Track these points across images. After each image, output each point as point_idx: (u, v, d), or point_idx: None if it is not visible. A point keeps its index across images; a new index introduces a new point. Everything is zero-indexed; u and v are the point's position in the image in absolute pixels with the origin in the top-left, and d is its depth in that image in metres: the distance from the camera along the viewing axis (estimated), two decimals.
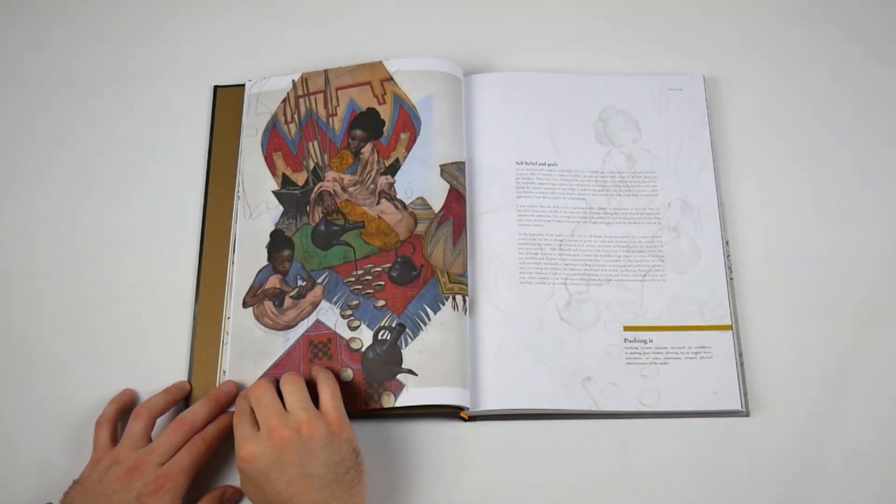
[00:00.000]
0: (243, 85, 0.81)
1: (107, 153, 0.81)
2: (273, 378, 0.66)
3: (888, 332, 0.72)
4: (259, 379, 0.68)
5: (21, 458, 0.69)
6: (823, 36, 0.85)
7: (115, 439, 0.67)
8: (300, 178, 0.75)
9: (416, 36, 0.85)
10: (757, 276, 0.74)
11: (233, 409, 0.68)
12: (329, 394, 0.64)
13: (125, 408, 0.69)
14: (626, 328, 0.72)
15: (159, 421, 0.68)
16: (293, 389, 0.63)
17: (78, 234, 0.77)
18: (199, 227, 0.76)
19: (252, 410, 0.63)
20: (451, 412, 0.69)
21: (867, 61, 0.83)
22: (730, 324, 0.72)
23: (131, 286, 0.75)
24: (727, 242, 0.75)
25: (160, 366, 0.71)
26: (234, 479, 0.68)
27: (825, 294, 0.74)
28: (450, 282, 0.70)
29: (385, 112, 0.76)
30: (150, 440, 0.66)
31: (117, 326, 0.73)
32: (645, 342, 0.71)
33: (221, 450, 0.67)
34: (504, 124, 0.79)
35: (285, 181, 0.75)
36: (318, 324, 0.70)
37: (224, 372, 0.70)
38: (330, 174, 0.75)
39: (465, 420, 0.69)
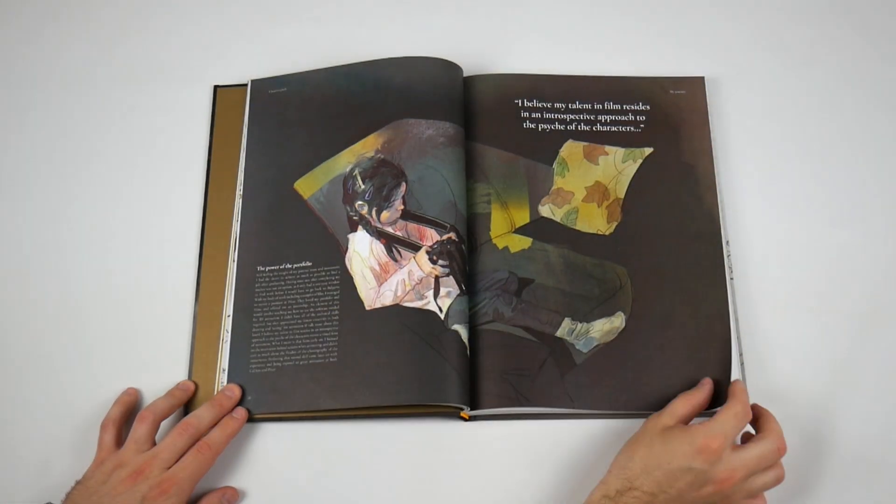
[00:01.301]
0: (243, 85, 0.81)
1: (107, 153, 0.81)
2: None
3: (889, 332, 0.72)
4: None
5: (21, 457, 0.69)
6: (825, 36, 0.85)
7: (119, 441, 0.67)
8: None
9: (416, 36, 0.85)
10: (757, 276, 0.74)
11: (236, 411, 0.68)
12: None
13: (130, 409, 0.69)
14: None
15: (163, 424, 0.68)
16: (767, 482, 0.63)
17: (78, 234, 0.77)
18: (199, 227, 0.76)
19: (741, 430, 0.63)
20: (451, 412, 0.69)
21: (869, 60, 0.83)
22: (730, 323, 0.72)
23: (131, 286, 0.75)
24: (727, 242, 0.75)
25: (160, 366, 0.71)
26: (233, 480, 0.68)
27: (826, 294, 0.74)
28: None
29: None
30: (154, 443, 0.66)
31: (117, 326, 0.73)
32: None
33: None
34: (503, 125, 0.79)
35: None
36: None
37: (224, 370, 0.70)
38: None
39: (465, 420, 0.69)
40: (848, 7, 0.86)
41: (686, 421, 0.65)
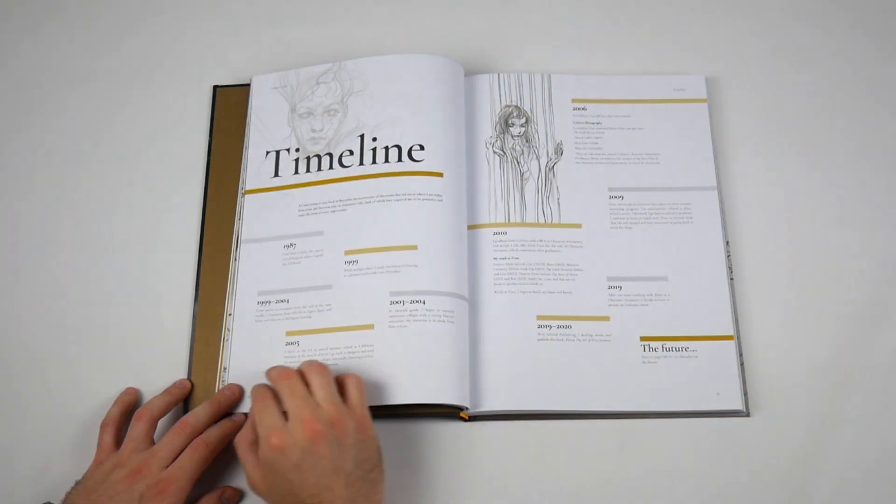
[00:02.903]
0: (243, 85, 0.81)
1: (107, 153, 0.81)
2: (294, 369, 0.64)
3: (889, 332, 0.72)
4: (279, 366, 0.65)
5: (21, 457, 0.69)
6: (825, 35, 0.85)
7: (118, 441, 0.67)
8: None
9: (416, 35, 0.85)
10: (757, 276, 0.74)
11: (235, 414, 0.68)
12: (356, 390, 0.63)
13: (129, 408, 0.69)
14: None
15: (162, 422, 0.68)
16: (323, 383, 0.62)
17: (77, 233, 0.77)
18: (199, 227, 0.76)
19: (275, 398, 0.62)
20: (451, 412, 0.69)
21: (870, 60, 0.83)
22: (731, 324, 0.72)
23: (131, 286, 0.75)
24: (727, 242, 0.75)
25: (160, 366, 0.71)
26: (233, 480, 0.68)
27: (826, 294, 0.74)
28: None
29: None
30: (152, 442, 0.66)
31: (117, 326, 0.73)
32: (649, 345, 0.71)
33: (221, 451, 0.67)
34: (503, 126, 0.79)
35: None
36: None
37: (225, 369, 0.70)
38: None
39: (465, 420, 0.69)
40: (848, 7, 0.86)
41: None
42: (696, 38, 0.85)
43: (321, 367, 0.63)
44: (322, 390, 0.61)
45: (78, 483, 0.64)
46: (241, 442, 0.62)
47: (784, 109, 0.81)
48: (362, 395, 0.63)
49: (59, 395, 0.71)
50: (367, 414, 0.62)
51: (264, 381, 0.64)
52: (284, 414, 0.60)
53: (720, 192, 0.77)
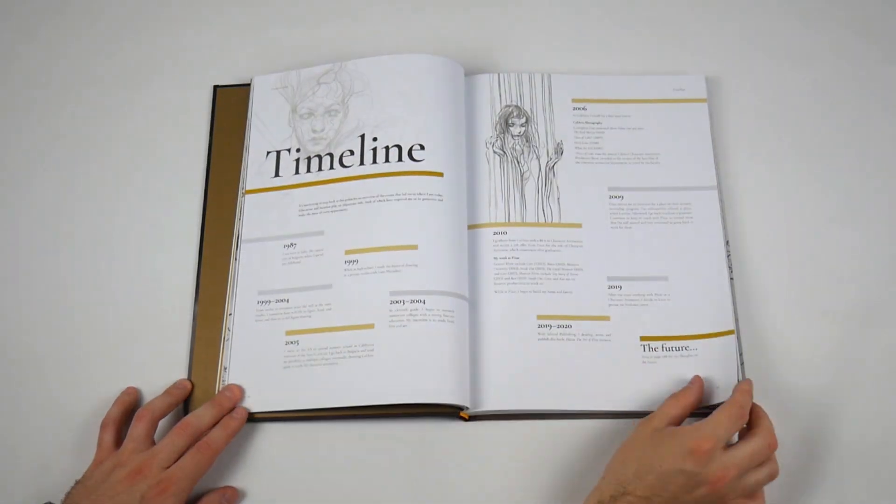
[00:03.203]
0: (243, 85, 0.81)
1: (107, 153, 0.81)
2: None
3: (889, 332, 0.72)
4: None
5: (21, 457, 0.69)
6: (825, 35, 0.85)
7: (119, 440, 0.67)
8: None
9: (416, 35, 0.85)
10: (758, 276, 0.74)
11: (236, 411, 0.68)
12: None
13: (130, 408, 0.69)
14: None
15: (162, 422, 0.68)
16: (761, 479, 0.62)
17: (78, 233, 0.77)
18: (199, 227, 0.76)
19: (735, 431, 0.63)
20: (451, 412, 0.69)
21: (870, 60, 0.83)
22: (731, 323, 0.72)
23: (131, 286, 0.75)
24: (727, 242, 0.75)
25: (160, 366, 0.71)
26: (234, 480, 0.68)
27: (826, 293, 0.74)
28: None
29: None
30: (153, 442, 0.66)
31: (117, 326, 0.73)
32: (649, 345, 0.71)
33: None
34: (503, 126, 0.79)
35: None
36: None
37: (225, 369, 0.70)
38: None
39: (465, 420, 0.69)
40: (848, 7, 0.86)
41: (678, 422, 0.65)
42: (696, 38, 0.85)
43: (776, 473, 0.63)
44: (754, 479, 0.62)
45: (78, 483, 0.64)
46: (658, 416, 0.65)
47: (784, 109, 0.81)
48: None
49: (59, 394, 0.71)
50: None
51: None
52: None
53: (720, 192, 0.77)
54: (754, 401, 0.65)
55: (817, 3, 0.86)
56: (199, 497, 0.66)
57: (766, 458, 0.62)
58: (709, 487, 0.59)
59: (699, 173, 0.77)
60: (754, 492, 0.62)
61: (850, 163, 0.79)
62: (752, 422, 0.64)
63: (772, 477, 0.62)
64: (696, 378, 0.68)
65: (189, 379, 0.71)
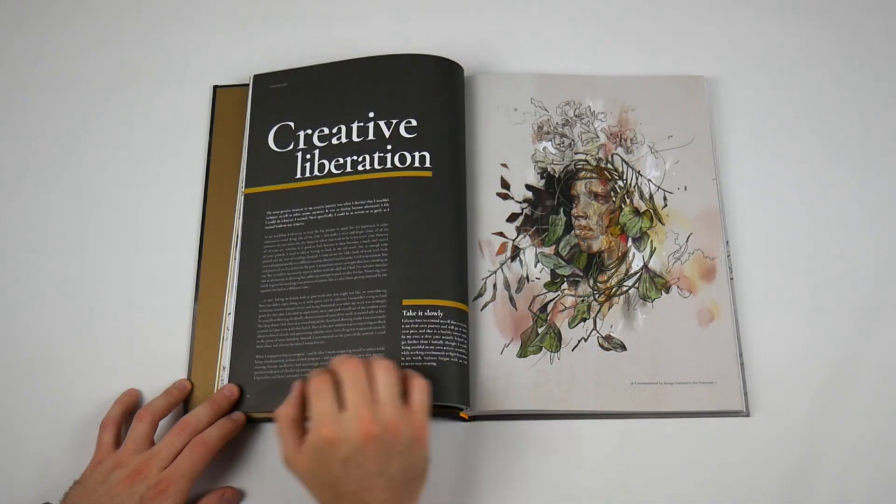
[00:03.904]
0: (243, 85, 0.81)
1: (107, 153, 0.81)
2: (361, 358, 0.62)
3: (889, 332, 0.73)
4: (348, 356, 0.62)
5: (21, 457, 0.69)
6: (824, 37, 0.85)
7: (118, 441, 0.67)
8: None
9: (416, 35, 0.85)
10: (757, 276, 0.75)
11: (234, 414, 0.68)
12: (420, 394, 0.61)
13: (130, 409, 0.69)
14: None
15: (162, 423, 0.68)
16: (389, 381, 0.60)
17: (78, 233, 0.77)
18: (199, 227, 0.76)
19: (333, 385, 0.60)
20: (451, 412, 0.69)
21: (869, 60, 0.83)
22: (731, 324, 0.72)
23: (131, 286, 0.75)
24: (727, 242, 0.75)
25: (160, 365, 0.71)
26: (233, 480, 0.68)
27: (826, 294, 0.74)
28: None
29: None
30: (152, 443, 0.66)
31: (117, 326, 0.73)
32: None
33: (221, 451, 0.67)
34: (503, 126, 0.79)
35: None
36: None
37: (224, 369, 0.70)
38: None
39: (465, 420, 0.69)
40: (848, 6, 0.86)
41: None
42: (696, 38, 0.85)
43: (389, 365, 0.61)
44: (386, 389, 0.59)
45: (77, 483, 0.64)
46: (283, 418, 0.61)
47: (784, 109, 0.81)
48: (426, 401, 0.61)
49: (58, 394, 0.71)
50: (426, 423, 0.60)
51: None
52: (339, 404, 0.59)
53: (720, 192, 0.77)
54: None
55: (817, 3, 0.86)
56: (198, 497, 0.66)
57: (368, 374, 0.60)
58: (371, 443, 0.57)
59: (699, 173, 0.77)
60: (399, 396, 0.59)
61: (851, 162, 0.79)
62: None
63: (387, 371, 0.60)
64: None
65: (189, 379, 0.71)
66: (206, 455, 0.64)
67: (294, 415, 0.61)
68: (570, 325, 0.72)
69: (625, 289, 0.73)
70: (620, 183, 0.77)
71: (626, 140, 0.79)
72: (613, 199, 0.77)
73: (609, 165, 0.78)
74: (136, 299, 0.74)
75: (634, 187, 0.77)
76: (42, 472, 0.68)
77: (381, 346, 0.69)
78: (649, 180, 0.77)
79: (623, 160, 0.78)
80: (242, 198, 0.76)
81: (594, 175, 0.77)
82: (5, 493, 0.68)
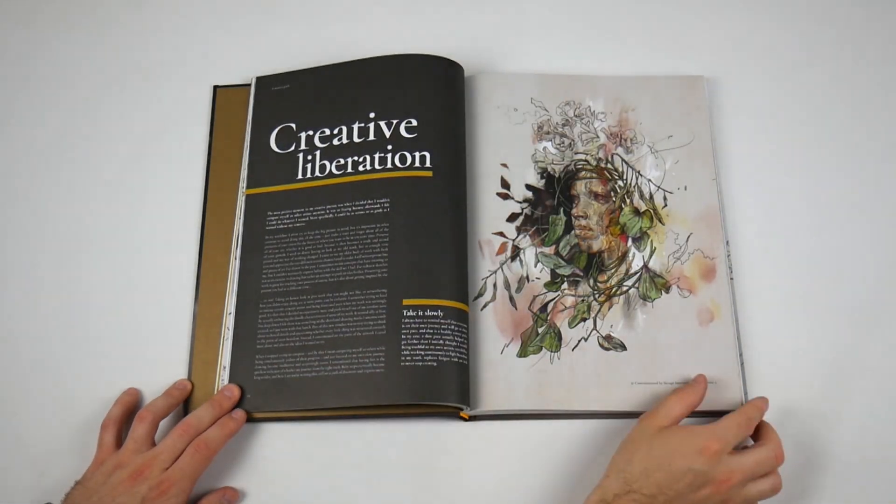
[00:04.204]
0: (243, 85, 0.81)
1: (107, 153, 0.81)
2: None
3: (888, 332, 0.73)
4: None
5: (21, 457, 0.69)
6: (823, 37, 0.85)
7: (119, 441, 0.67)
8: None
9: (417, 35, 0.85)
10: (757, 276, 0.75)
11: (235, 412, 0.68)
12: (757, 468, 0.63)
13: (130, 409, 0.69)
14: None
15: (162, 423, 0.68)
16: (763, 489, 0.63)
17: (78, 233, 0.77)
18: (199, 227, 0.76)
19: (743, 439, 0.64)
20: (451, 412, 0.69)
21: (870, 60, 0.83)
22: (731, 324, 0.72)
23: (131, 286, 0.75)
24: (727, 242, 0.75)
25: (160, 366, 0.71)
26: (234, 480, 0.68)
27: (825, 294, 0.74)
28: None
29: None
30: (153, 443, 0.66)
31: (117, 326, 0.73)
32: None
33: (221, 451, 0.68)
34: (503, 126, 0.79)
35: None
36: None
37: (224, 368, 0.70)
38: None
39: (465, 420, 0.69)
40: (847, 8, 0.86)
41: (679, 420, 0.65)
42: (696, 38, 0.85)
43: (779, 487, 0.64)
44: (756, 489, 0.63)
45: (78, 483, 0.64)
46: (662, 415, 0.64)
47: (783, 109, 0.81)
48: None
49: (59, 395, 0.71)
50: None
51: None
52: None
53: (720, 192, 0.77)
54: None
55: (815, 6, 0.86)
56: (199, 498, 0.66)
57: (771, 468, 0.63)
58: (713, 488, 0.59)
59: (699, 173, 0.77)
60: (754, 501, 0.62)
61: (850, 162, 0.79)
62: (760, 434, 0.65)
63: (774, 490, 0.63)
64: (700, 377, 0.68)
65: (189, 379, 0.71)
66: (208, 456, 0.65)
67: (676, 420, 0.65)
68: (571, 325, 0.72)
69: (625, 289, 0.73)
70: (620, 183, 0.77)
71: (626, 140, 0.79)
72: (613, 198, 0.77)
73: (609, 165, 0.78)
74: (137, 299, 0.74)
75: (634, 187, 0.77)
76: (43, 473, 0.68)
77: (381, 346, 0.69)
78: (649, 180, 0.77)
79: (623, 160, 0.78)
80: (244, 198, 0.76)
81: (594, 175, 0.78)
82: (6, 493, 0.68)
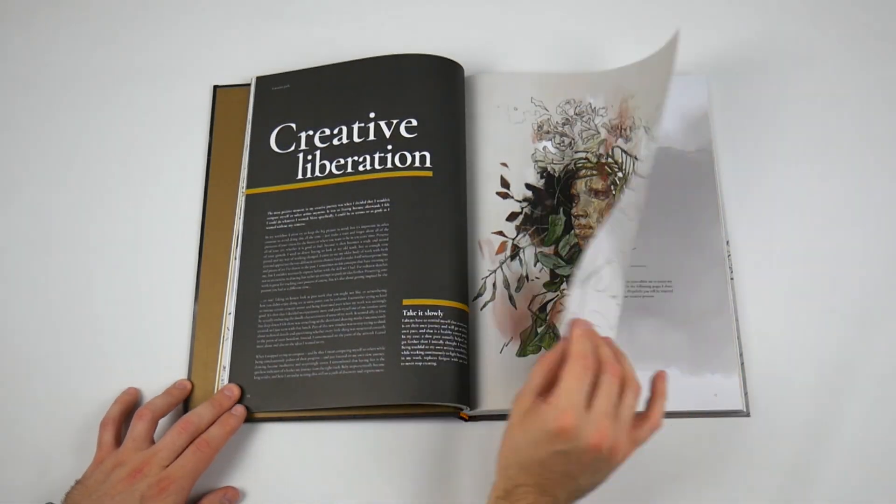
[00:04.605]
0: (243, 85, 0.81)
1: (107, 153, 0.81)
2: (618, 364, 0.58)
3: (888, 332, 0.72)
4: (619, 354, 0.59)
5: (21, 457, 0.69)
6: (824, 37, 0.85)
7: (118, 440, 0.67)
8: None
9: (417, 35, 0.85)
10: (757, 277, 0.74)
11: (235, 409, 0.68)
12: (650, 430, 0.59)
13: (130, 408, 0.69)
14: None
15: (162, 422, 0.68)
16: (633, 405, 0.58)
17: (78, 233, 0.77)
18: (199, 227, 0.76)
19: (592, 379, 0.57)
20: (451, 412, 0.69)
21: (870, 61, 0.83)
22: (731, 324, 0.72)
23: (131, 286, 0.75)
24: (727, 242, 0.75)
25: (160, 365, 0.71)
26: (234, 480, 0.68)
27: (825, 294, 0.74)
28: None
29: None
30: (152, 441, 0.66)
31: (117, 326, 0.74)
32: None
33: (222, 451, 0.68)
34: (503, 125, 0.79)
35: None
36: None
37: (224, 368, 0.70)
38: None
39: (465, 420, 0.69)
40: (848, 7, 0.86)
41: (549, 389, 0.58)
42: (696, 38, 0.85)
43: (639, 390, 0.58)
44: (628, 411, 0.57)
45: (78, 482, 0.64)
46: (530, 393, 0.58)
47: (784, 109, 0.81)
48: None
49: (59, 394, 0.71)
50: (636, 448, 0.58)
51: None
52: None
53: (720, 192, 0.77)
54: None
55: (817, 5, 0.86)
56: (199, 497, 0.66)
57: (619, 387, 0.57)
58: (592, 453, 0.56)
59: (699, 173, 0.77)
60: (633, 420, 0.58)
61: (851, 162, 0.79)
62: (601, 369, 0.58)
63: (637, 394, 0.58)
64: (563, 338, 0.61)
65: (189, 379, 0.71)
66: (210, 455, 0.65)
67: (539, 387, 0.58)
68: None
69: None
70: (620, 174, 0.77)
71: (625, 129, 0.78)
72: (613, 192, 0.77)
73: (609, 159, 0.78)
74: (137, 299, 0.74)
75: (632, 174, 0.76)
76: (43, 472, 0.68)
77: (381, 345, 0.69)
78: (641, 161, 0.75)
79: (623, 150, 0.78)
80: (244, 198, 0.76)
81: (594, 172, 0.77)
82: (6, 492, 0.68)
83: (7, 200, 0.79)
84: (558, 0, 0.87)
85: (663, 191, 0.76)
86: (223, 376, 0.70)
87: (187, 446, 0.65)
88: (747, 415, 0.70)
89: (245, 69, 0.82)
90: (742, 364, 0.71)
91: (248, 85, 0.81)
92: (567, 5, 0.87)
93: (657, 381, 0.61)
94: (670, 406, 0.68)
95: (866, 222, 0.77)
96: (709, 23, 0.85)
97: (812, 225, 0.76)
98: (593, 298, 0.61)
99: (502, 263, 0.74)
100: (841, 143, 0.80)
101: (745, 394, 0.70)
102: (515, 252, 0.75)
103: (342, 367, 0.69)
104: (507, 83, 0.81)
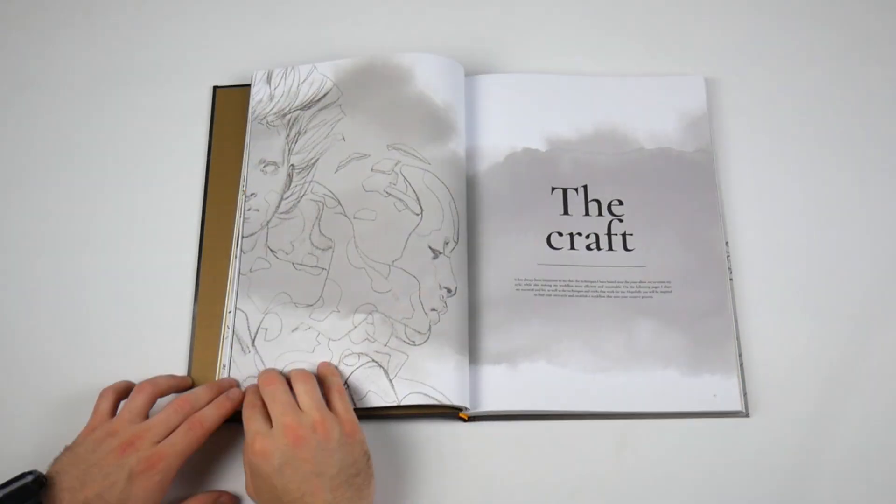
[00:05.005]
0: (243, 85, 0.81)
1: (106, 153, 0.81)
2: (281, 374, 0.67)
3: (888, 332, 0.73)
4: (267, 371, 0.67)
5: (21, 457, 0.69)
6: (823, 37, 0.85)
7: (115, 411, 0.66)
8: None
9: (416, 35, 0.85)
10: (757, 277, 0.75)
11: (231, 392, 0.68)
12: (339, 396, 0.65)
13: (131, 387, 0.68)
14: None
15: (160, 402, 0.67)
16: (307, 389, 0.64)
17: (77, 233, 0.77)
18: (199, 227, 0.76)
19: (263, 405, 0.64)
20: (451, 412, 0.69)
21: (869, 61, 0.83)
22: (730, 324, 0.72)
23: (131, 285, 0.75)
24: (727, 242, 0.75)
25: (160, 365, 0.71)
26: (230, 483, 0.68)
27: (825, 294, 0.74)
28: None
29: None
30: (147, 417, 0.65)
31: (117, 326, 0.73)
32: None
33: (221, 451, 0.68)
34: (503, 125, 0.79)
35: None
36: None
37: (224, 367, 0.70)
38: None
39: (465, 420, 0.69)
40: (848, 7, 0.86)
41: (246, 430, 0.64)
42: (696, 39, 0.85)
43: (305, 375, 0.65)
44: (305, 396, 0.63)
45: (67, 448, 0.63)
46: (244, 449, 0.63)
47: (783, 110, 0.82)
48: (346, 401, 0.65)
49: (59, 394, 0.71)
50: (353, 419, 0.63)
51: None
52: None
53: (720, 192, 0.77)
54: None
55: (815, 6, 0.86)
56: (193, 496, 0.65)
57: (285, 387, 0.64)
58: (295, 449, 0.60)
59: (699, 173, 0.77)
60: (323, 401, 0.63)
61: (850, 163, 0.79)
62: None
63: (306, 382, 0.64)
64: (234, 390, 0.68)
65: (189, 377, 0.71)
66: (202, 435, 0.64)
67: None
68: None
69: None
70: None
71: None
72: None
73: None
74: (137, 299, 0.74)
75: None
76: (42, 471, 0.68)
77: None
78: None
79: None
80: (244, 198, 0.76)
81: None
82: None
83: (7, 199, 0.79)
84: (559, 0, 0.87)
85: (663, 191, 0.76)
86: (223, 376, 0.70)
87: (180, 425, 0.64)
88: (746, 415, 0.70)
89: (245, 69, 0.82)
90: (741, 365, 0.71)
91: (249, 85, 0.81)
92: (568, 5, 0.87)
93: (319, 367, 0.68)
94: (670, 406, 0.69)
95: (866, 222, 0.77)
96: (709, 23, 0.86)
97: (811, 225, 0.77)
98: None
99: None
100: (839, 144, 0.80)
101: (745, 394, 0.70)
102: None
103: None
104: (507, 83, 0.80)
